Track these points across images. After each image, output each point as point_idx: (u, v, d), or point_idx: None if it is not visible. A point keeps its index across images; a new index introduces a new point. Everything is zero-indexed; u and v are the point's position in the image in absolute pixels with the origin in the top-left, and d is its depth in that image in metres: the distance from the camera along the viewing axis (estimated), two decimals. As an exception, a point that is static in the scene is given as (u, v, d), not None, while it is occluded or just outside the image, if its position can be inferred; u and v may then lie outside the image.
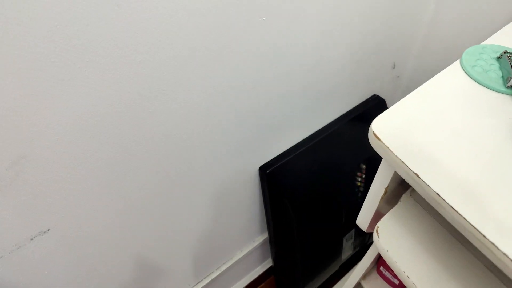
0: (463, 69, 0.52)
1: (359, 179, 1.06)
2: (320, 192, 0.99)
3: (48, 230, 0.56)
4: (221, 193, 0.84)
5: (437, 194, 0.37)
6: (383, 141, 0.43)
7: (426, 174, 0.39)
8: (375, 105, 1.01)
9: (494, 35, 0.59)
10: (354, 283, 0.88)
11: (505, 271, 0.33)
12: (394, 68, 0.99)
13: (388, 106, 1.04)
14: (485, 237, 0.34)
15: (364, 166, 1.05)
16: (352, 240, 1.19)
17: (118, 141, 0.55)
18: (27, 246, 0.55)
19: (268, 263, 1.25)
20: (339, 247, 1.18)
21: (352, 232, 1.16)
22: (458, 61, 0.54)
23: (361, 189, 1.08)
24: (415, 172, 0.40)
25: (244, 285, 1.20)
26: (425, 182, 0.39)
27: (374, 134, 0.44)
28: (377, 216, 0.56)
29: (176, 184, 0.70)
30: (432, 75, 0.52)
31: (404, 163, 0.41)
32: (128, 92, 0.50)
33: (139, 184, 0.63)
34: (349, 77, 0.88)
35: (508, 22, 0.62)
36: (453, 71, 0.52)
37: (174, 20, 0.48)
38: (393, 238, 0.51)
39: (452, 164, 0.40)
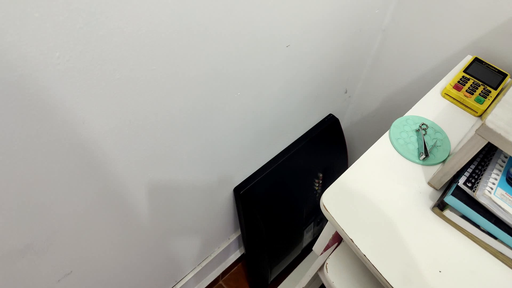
0: (390, 141, 0.69)
1: (317, 184, 1.25)
2: (285, 198, 1.18)
3: (71, 272, 0.70)
4: (204, 208, 0.99)
5: (364, 255, 0.55)
6: (330, 212, 0.60)
7: (358, 240, 0.57)
8: (331, 124, 1.18)
9: (417, 104, 0.76)
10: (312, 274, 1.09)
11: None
12: (346, 92, 1.15)
13: (341, 122, 1.21)
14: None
15: (320, 175, 1.24)
16: (312, 230, 1.41)
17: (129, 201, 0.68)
18: (56, 287, 0.69)
19: (240, 251, 1.45)
20: (301, 236, 1.39)
21: (311, 224, 1.38)
22: (387, 133, 0.71)
23: (319, 191, 1.28)
24: (351, 238, 0.57)
25: (220, 272, 1.41)
26: (357, 246, 0.56)
27: (324, 206, 0.61)
28: (327, 247, 0.75)
29: (173, 213, 0.85)
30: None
31: (343, 230, 0.58)
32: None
33: (143, 218, 0.78)
34: (311, 103, 1.04)
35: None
36: (383, 143, 0.69)
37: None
38: (338, 272, 0.70)
39: (376, 230, 0.58)
